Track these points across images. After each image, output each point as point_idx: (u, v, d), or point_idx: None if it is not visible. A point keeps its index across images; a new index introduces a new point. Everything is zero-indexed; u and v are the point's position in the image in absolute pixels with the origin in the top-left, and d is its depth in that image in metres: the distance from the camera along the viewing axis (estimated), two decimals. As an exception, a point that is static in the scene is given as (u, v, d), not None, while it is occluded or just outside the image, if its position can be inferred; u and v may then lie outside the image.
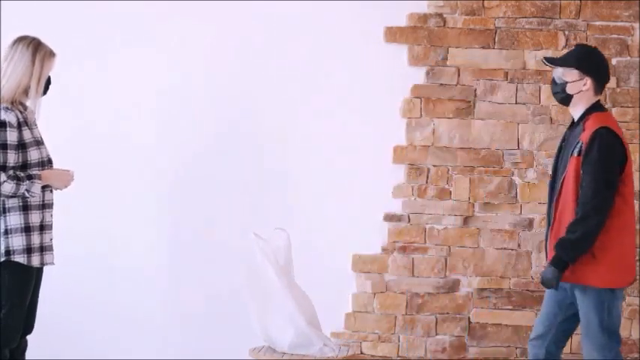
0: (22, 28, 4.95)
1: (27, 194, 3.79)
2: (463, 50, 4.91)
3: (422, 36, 4.91)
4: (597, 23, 4.89)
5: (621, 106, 4.89)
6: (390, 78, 4.92)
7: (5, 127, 3.75)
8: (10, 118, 3.77)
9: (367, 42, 4.92)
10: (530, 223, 4.92)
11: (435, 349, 4.94)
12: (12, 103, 3.84)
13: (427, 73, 4.92)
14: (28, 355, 4.16)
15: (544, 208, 4.92)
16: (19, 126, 3.81)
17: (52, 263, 3.99)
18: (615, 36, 4.89)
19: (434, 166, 4.93)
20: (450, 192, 4.93)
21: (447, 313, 4.95)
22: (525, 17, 4.90)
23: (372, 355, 4.95)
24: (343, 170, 4.94)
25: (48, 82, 3.99)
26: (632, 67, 4.88)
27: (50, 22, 4.96)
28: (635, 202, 4.89)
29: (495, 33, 4.91)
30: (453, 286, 4.94)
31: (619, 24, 4.89)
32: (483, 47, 4.92)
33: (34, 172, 3.85)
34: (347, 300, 4.96)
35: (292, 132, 4.95)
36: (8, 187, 3.74)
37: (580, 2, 4.89)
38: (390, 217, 4.93)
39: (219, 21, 4.93)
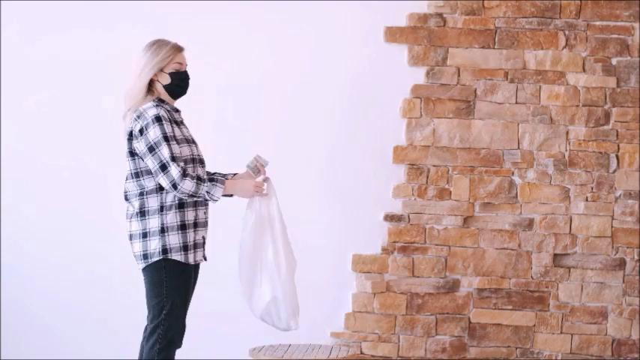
0: (21, 28, 4.99)
1: (207, 196, 3.74)
2: (463, 50, 4.92)
3: (422, 36, 4.92)
4: (597, 23, 4.89)
5: (621, 106, 4.89)
6: (390, 78, 4.92)
7: (161, 120, 3.72)
8: (161, 112, 3.74)
9: (367, 42, 4.92)
10: (530, 223, 4.92)
11: (435, 349, 4.94)
12: (160, 100, 3.82)
13: (427, 73, 4.92)
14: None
15: (544, 208, 4.94)
16: (169, 122, 3.78)
17: (203, 259, 3.93)
18: (615, 36, 4.89)
19: (434, 166, 4.93)
20: (450, 192, 4.93)
21: (447, 313, 4.95)
22: (525, 17, 4.90)
23: (372, 355, 4.95)
24: (343, 170, 4.94)
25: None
26: (632, 67, 4.88)
27: (50, 22, 4.98)
28: (635, 202, 4.91)
29: (495, 33, 4.91)
30: (453, 286, 4.94)
31: (619, 24, 4.89)
32: (483, 47, 4.91)
33: (218, 177, 3.85)
34: (347, 300, 4.97)
35: (291, 131, 4.95)
36: (190, 184, 3.69)
37: (580, 2, 4.89)
38: (390, 217, 4.94)
39: (217, 21, 4.93)
